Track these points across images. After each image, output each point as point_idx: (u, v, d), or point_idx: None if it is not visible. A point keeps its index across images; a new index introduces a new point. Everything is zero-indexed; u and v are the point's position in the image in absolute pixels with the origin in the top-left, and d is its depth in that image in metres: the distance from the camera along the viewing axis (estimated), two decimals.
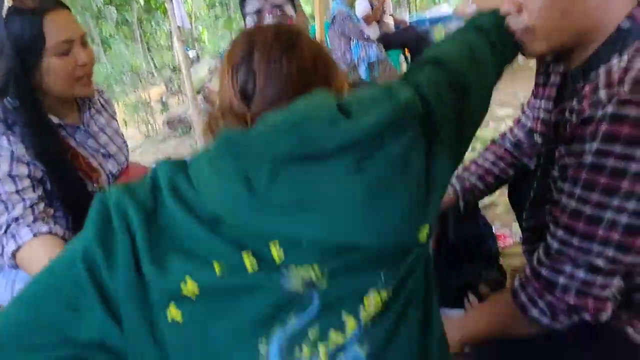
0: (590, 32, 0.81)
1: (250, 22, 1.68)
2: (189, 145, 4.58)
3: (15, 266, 1.11)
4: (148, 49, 13.47)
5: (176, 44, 4.46)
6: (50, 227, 1.13)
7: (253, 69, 0.63)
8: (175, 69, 9.00)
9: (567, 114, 0.87)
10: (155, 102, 5.72)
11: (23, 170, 1.17)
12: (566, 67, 0.92)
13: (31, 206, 1.14)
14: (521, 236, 1.15)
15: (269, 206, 0.52)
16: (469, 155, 2.75)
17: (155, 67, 11.52)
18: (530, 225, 1.04)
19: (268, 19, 1.63)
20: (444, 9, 6.37)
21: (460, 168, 1.33)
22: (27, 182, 1.17)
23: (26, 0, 1.11)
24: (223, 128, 0.63)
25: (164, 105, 5.75)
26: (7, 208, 1.13)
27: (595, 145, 0.72)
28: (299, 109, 0.55)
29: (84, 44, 1.23)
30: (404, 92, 0.58)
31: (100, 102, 1.47)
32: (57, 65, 1.17)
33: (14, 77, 1.14)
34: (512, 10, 0.83)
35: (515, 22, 0.84)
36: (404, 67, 5.65)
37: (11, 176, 1.14)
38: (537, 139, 1.06)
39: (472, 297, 1.24)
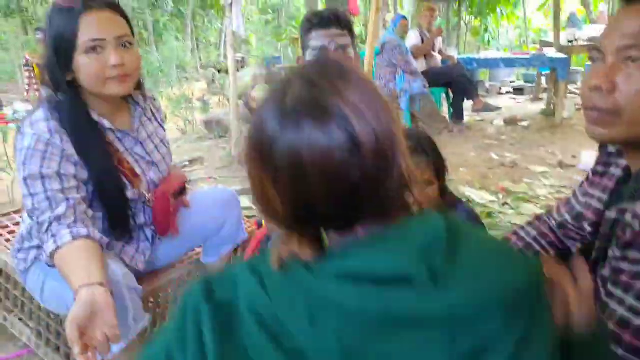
0: None
1: (309, 56, 1.69)
2: (223, 148, 4.65)
3: (52, 265, 1.15)
4: (197, 45, 13.81)
5: (227, 48, 4.55)
6: (89, 231, 1.17)
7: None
8: (220, 70, 9.21)
9: (628, 216, 0.83)
10: (196, 100, 5.85)
11: (70, 169, 1.22)
12: (633, 165, 0.87)
13: (74, 206, 1.19)
14: None
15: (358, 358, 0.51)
16: (504, 213, 2.74)
17: (201, 63, 11.80)
18: None
19: None
20: (493, 54, 6.34)
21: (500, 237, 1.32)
22: (73, 182, 1.22)
23: (67, 2, 1.18)
24: (288, 256, 0.58)
25: (205, 105, 5.87)
26: (51, 205, 1.18)
27: None
28: (381, 263, 0.52)
29: (124, 45, 1.24)
30: (518, 271, 0.54)
31: (151, 109, 1.51)
32: (87, 63, 1.20)
33: (50, 70, 1.22)
34: (603, 87, 0.78)
35: (602, 101, 0.79)
36: (445, 104, 5.64)
37: (59, 174, 1.20)
38: (587, 227, 1.04)
39: None
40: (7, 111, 6.83)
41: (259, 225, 2.11)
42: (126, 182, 1.35)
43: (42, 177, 1.18)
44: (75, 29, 1.17)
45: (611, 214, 0.91)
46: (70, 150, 1.21)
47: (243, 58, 12.98)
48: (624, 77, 0.77)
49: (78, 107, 1.25)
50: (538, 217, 1.27)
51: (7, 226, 1.76)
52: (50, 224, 1.16)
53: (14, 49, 8.79)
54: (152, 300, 1.63)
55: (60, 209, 1.18)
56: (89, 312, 1.00)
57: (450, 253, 0.52)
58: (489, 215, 2.78)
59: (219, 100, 6.53)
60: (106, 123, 1.31)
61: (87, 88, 1.25)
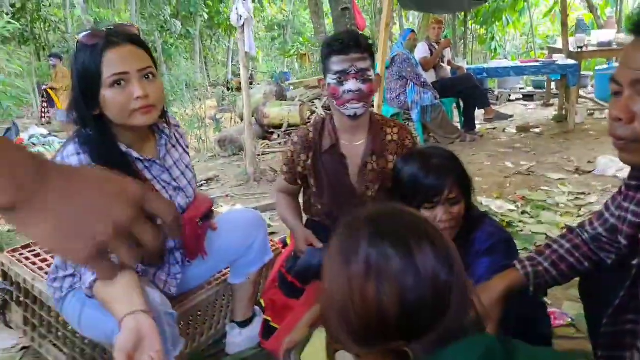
0: None
1: (330, 79, 1.71)
2: (237, 166, 4.69)
3: (91, 295, 1.18)
4: (205, 63, 14.02)
5: (240, 68, 4.62)
6: None
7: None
8: (230, 87, 9.31)
9: None
10: (208, 119, 5.92)
11: None
12: None
13: None
14: (596, 340, 1.11)
15: None
16: (524, 222, 2.72)
17: (210, 81, 11.96)
18: (609, 331, 1.02)
19: (351, 83, 1.67)
20: (503, 63, 6.35)
21: (533, 250, 1.32)
22: None
23: (90, 39, 1.22)
24: None
25: (217, 123, 5.94)
26: None
27: None
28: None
29: (146, 77, 1.27)
30: None
31: (175, 136, 1.54)
32: (112, 96, 1.24)
33: (76, 106, 1.25)
34: (622, 118, 0.84)
35: (624, 130, 0.85)
36: (456, 114, 5.65)
37: None
38: (622, 240, 1.05)
39: None
40: (24, 136, 6.98)
41: (284, 245, 2.12)
42: None
43: None
44: (100, 65, 1.21)
45: None
46: None
47: (251, 74, 13.15)
48: None
49: (106, 140, 1.28)
50: (570, 230, 1.27)
51: (38, 254, 1.79)
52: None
53: (27, 75, 8.99)
54: (182, 323, 1.64)
55: None
56: (135, 339, 1.02)
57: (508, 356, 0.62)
58: (509, 224, 2.77)
59: (231, 117, 6.60)
60: (134, 153, 1.34)
61: (114, 121, 1.28)
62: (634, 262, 0.98)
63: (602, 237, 1.18)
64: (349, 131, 1.80)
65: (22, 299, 1.72)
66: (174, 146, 1.51)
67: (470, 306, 0.67)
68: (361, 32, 1.71)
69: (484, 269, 1.32)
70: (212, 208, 1.59)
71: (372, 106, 3.35)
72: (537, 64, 5.46)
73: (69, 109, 1.29)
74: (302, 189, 1.99)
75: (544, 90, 7.22)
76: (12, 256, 1.74)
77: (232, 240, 1.66)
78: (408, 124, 5.32)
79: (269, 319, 1.83)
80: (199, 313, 1.72)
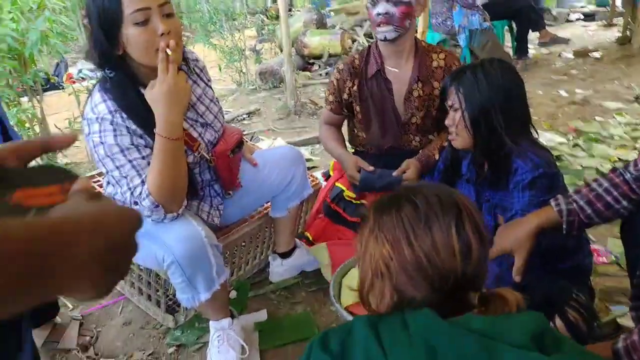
0: None
1: (367, 2, 1.71)
2: (278, 99, 4.68)
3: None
4: None
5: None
6: None
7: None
8: (270, 16, 9.04)
9: None
10: (248, 50, 5.83)
11: (140, 141, 1.30)
12: None
13: None
14: (630, 291, 1.09)
15: None
16: (575, 156, 2.61)
17: (249, 8, 11.64)
18: None
19: (381, 6, 1.65)
20: None
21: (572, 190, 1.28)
22: (148, 150, 1.30)
23: None
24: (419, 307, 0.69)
25: (257, 55, 5.85)
26: (138, 172, 1.28)
27: None
28: (494, 328, 0.64)
29: (168, 15, 1.24)
30: None
31: (196, 71, 1.51)
32: (136, 34, 1.21)
33: (99, 47, 1.22)
34: None
35: None
36: (508, 38, 5.29)
37: (134, 145, 1.28)
38: None
39: (558, 322, 1.23)
40: (73, 71, 7.17)
41: (327, 177, 2.17)
42: (185, 147, 1.39)
43: (122, 150, 1.26)
44: (119, 1, 1.17)
45: None
46: (132, 125, 1.28)
47: (290, 1, 12.65)
48: None
49: (128, 84, 1.28)
50: (613, 170, 1.22)
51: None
52: (143, 186, 1.26)
53: (72, 10, 9.06)
54: (227, 252, 1.74)
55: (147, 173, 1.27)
56: None
57: (556, 341, 0.66)
58: (558, 158, 2.66)
59: (271, 48, 6.47)
60: None
61: (137, 60, 1.26)
62: None
63: None
64: (393, 57, 1.80)
65: None
66: (195, 82, 1.48)
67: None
68: None
69: (524, 203, 1.32)
70: (242, 139, 1.61)
71: (416, 31, 3.17)
72: None
73: (90, 50, 1.25)
74: (347, 121, 2.00)
75: (608, 8, 6.58)
76: None
77: (272, 176, 1.70)
78: (456, 51, 5.05)
79: (310, 236, 1.94)
80: (243, 244, 1.81)
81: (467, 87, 1.36)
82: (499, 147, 1.35)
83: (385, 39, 1.71)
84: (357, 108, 1.87)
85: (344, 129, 2.04)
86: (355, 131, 1.95)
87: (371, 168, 1.76)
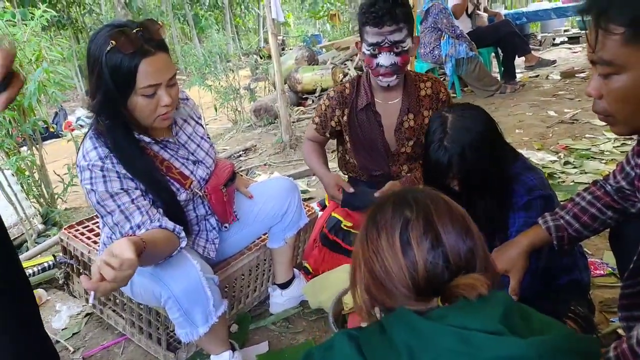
0: None
1: (365, 49, 1.72)
2: (274, 134, 4.75)
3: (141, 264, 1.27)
4: (237, 32, 14.00)
5: (269, 35, 4.61)
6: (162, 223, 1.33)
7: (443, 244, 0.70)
8: (262, 56, 9.29)
9: None
10: (242, 89, 5.96)
11: (131, 184, 1.33)
12: None
13: (147, 212, 1.32)
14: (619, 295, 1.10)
15: None
16: (567, 173, 2.64)
17: (242, 50, 11.96)
18: (628, 293, 1.02)
19: (384, 57, 1.67)
20: (543, 5, 5.97)
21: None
22: (138, 193, 1.33)
23: (125, 46, 1.20)
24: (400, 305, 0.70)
25: (251, 93, 5.98)
26: (127, 217, 1.31)
27: None
28: (466, 318, 0.64)
29: (171, 85, 1.31)
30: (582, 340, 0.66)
31: (185, 110, 1.55)
32: (142, 104, 1.27)
33: (111, 100, 1.25)
34: (593, 95, 0.89)
35: (598, 106, 0.90)
36: (495, 64, 5.42)
37: (124, 189, 1.31)
38: None
39: None
40: (71, 119, 7.32)
41: (323, 207, 2.20)
42: (178, 186, 1.44)
43: (111, 195, 1.29)
44: (135, 72, 1.22)
45: None
46: (122, 170, 1.31)
47: (283, 40, 13.00)
48: (605, 88, 0.87)
49: (120, 131, 1.32)
50: (594, 183, 1.25)
51: (92, 229, 1.93)
52: (134, 232, 1.28)
53: (68, 60, 9.31)
54: (226, 286, 1.75)
55: (137, 218, 1.30)
56: (108, 252, 1.05)
57: (524, 318, 0.67)
58: (550, 176, 2.69)
59: (265, 86, 6.62)
60: (146, 138, 1.38)
61: (136, 118, 1.32)
62: None
63: (625, 189, 1.16)
64: (383, 91, 1.82)
65: (81, 270, 1.87)
66: (185, 120, 1.53)
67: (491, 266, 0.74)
68: None
69: (519, 224, 1.33)
70: (234, 172, 1.64)
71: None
72: (579, 3, 5.10)
73: (94, 99, 1.27)
74: (337, 145, 2.04)
75: None
76: (69, 232, 1.89)
77: (267, 207, 1.73)
78: (444, 79, 5.17)
79: (309, 267, 1.95)
80: (242, 276, 1.82)
81: (457, 155, 1.28)
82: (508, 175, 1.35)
83: (388, 86, 1.76)
84: (347, 137, 1.91)
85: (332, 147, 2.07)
86: (347, 157, 1.99)
87: (351, 190, 1.78)
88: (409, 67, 1.88)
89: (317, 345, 0.72)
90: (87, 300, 1.88)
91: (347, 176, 2.04)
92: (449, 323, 0.64)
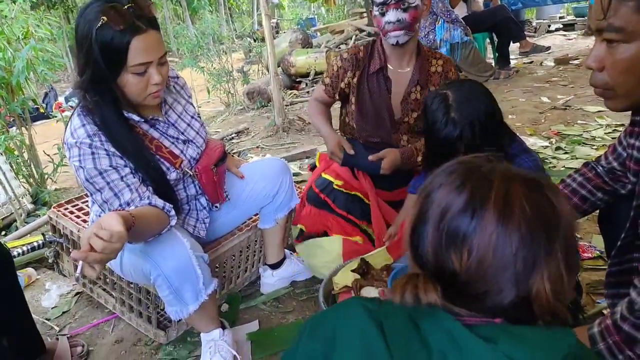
0: None
1: (375, 11, 1.77)
2: (267, 117, 4.73)
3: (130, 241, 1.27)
4: (230, 15, 13.80)
5: (262, 17, 4.55)
6: (152, 201, 1.32)
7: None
8: (256, 39, 9.18)
9: None
10: (235, 72, 5.91)
11: (120, 161, 1.31)
12: None
13: (136, 190, 1.31)
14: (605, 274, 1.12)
15: None
16: (558, 158, 2.65)
17: (236, 33, 11.82)
18: (614, 270, 1.03)
19: (391, 14, 1.70)
20: None
21: None
22: (127, 170, 1.32)
23: (116, 22, 1.17)
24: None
25: (245, 75, 5.92)
26: (116, 195, 1.29)
27: None
28: (519, 349, 0.56)
29: (161, 63, 1.29)
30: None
31: (176, 89, 1.54)
32: (132, 82, 1.25)
33: (100, 77, 1.23)
34: (594, 67, 0.87)
35: (597, 79, 0.88)
36: (489, 50, 5.41)
37: (113, 167, 1.29)
38: (631, 177, 1.03)
39: None
40: (61, 99, 7.22)
41: (313, 167, 2.18)
42: (168, 165, 1.42)
43: (100, 173, 1.28)
44: (126, 50, 1.20)
45: None
46: (111, 148, 1.30)
47: (277, 23, 12.85)
48: (609, 58, 0.85)
49: (108, 108, 1.29)
50: (585, 164, 1.26)
51: (81, 208, 1.92)
52: (123, 210, 1.26)
53: (59, 39, 9.14)
54: (217, 266, 1.75)
55: (126, 195, 1.29)
56: (97, 225, 1.06)
57: None
58: (542, 161, 2.70)
59: (258, 69, 6.56)
60: (135, 117, 1.36)
61: (127, 95, 1.29)
62: (634, 203, 0.96)
63: (616, 170, 1.16)
64: (396, 57, 1.85)
65: (71, 249, 1.86)
66: (175, 99, 1.51)
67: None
68: None
69: None
70: (225, 151, 1.63)
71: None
72: None
73: (82, 76, 1.25)
74: (340, 108, 2.04)
75: (586, 18, 6.76)
76: (59, 211, 1.87)
77: (259, 188, 1.72)
78: None
79: (303, 227, 1.95)
80: (233, 257, 1.82)
81: (462, 118, 1.26)
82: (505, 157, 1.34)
83: (397, 43, 1.77)
84: (353, 99, 1.92)
85: (335, 111, 2.07)
86: (347, 120, 2.00)
87: (352, 152, 1.81)
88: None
89: (327, 311, 0.67)
90: (75, 273, 1.89)
91: (345, 138, 2.03)
92: (499, 349, 0.55)
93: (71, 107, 6.56)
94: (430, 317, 0.60)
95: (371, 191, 1.92)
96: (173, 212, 1.36)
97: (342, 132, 2.06)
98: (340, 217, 1.91)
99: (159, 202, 1.33)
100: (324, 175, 2.01)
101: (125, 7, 1.20)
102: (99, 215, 1.45)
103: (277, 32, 10.30)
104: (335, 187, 1.95)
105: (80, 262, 1.03)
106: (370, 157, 1.77)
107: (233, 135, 4.33)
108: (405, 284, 0.61)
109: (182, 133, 1.50)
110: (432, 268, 0.62)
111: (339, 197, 1.93)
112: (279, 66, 5.31)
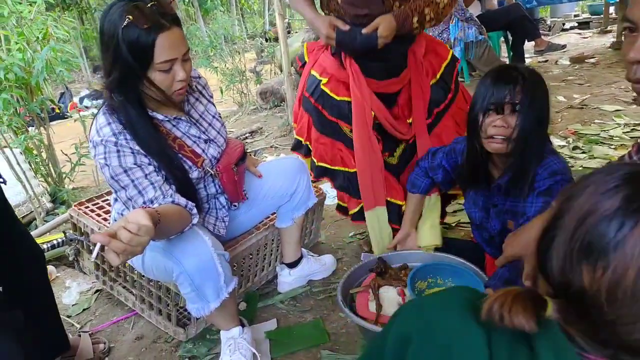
0: None
1: None
2: (280, 117, 4.74)
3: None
4: (242, 15, 13.84)
5: (276, 17, 4.56)
6: (175, 199, 1.33)
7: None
8: (268, 38, 9.21)
9: None
10: (248, 72, 5.94)
11: (145, 159, 1.33)
12: None
13: (160, 187, 1.33)
14: None
15: None
16: (576, 158, 2.63)
17: (247, 33, 11.88)
18: None
19: None
20: None
21: None
22: (151, 168, 1.33)
23: (141, 20, 1.19)
24: None
25: (258, 75, 5.94)
26: (141, 192, 1.31)
27: None
28: None
29: (185, 60, 1.31)
30: None
31: (198, 88, 1.56)
32: (158, 79, 1.27)
33: (129, 76, 1.25)
34: (638, 59, 0.84)
35: (638, 74, 0.86)
36: (504, 48, 5.36)
37: (137, 165, 1.31)
38: None
39: None
40: (76, 99, 7.31)
41: (303, 64, 1.99)
42: (190, 164, 1.44)
43: (125, 170, 1.30)
44: (152, 47, 1.22)
45: None
46: (136, 146, 1.32)
47: (288, 23, 12.85)
48: None
49: (133, 107, 1.31)
50: (609, 163, 1.24)
51: (102, 207, 1.95)
52: (147, 207, 1.28)
53: (74, 40, 9.26)
54: (235, 264, 1.76)
55: (150, 193, 1.31)
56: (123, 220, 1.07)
57: None
58: None
59: (270, 69, 6.58)
60: (159, 115, 1.38)
61: (151, 94, 1.31)
62: None
63: None
64: None
65: (91, 247, 1.89)
66: (197, 99, 1.53)
67: None
68: None
69: (537, 209, 1.31)
70: (245, 151, 1.64)
71: None
72: None
73: (109, 77, 1.26)
74: None
75: (602, 16, 6.67)
76: (79, 209, 1.90)
77: (276, 187, 1.73)
78: None
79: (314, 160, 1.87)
80: (250, 255, 1.83)
81: (530, 92, 1.28)
82: (538, 155, 1.32)
83: None
84: None
85: None
86: None
87: (346, 27, 1.64)
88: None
89: (428, 301, 0.63)
90: (91, 257, 1.87)
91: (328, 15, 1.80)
92: None
93: (86, 107, 6.65)
94: (549, 341, 0.52)
95: (361, 80, 1.74)
96: (195, 211, 1.37)
97: (325, 10, 1.81)
98: (350, 143, 1.78)
99: (182, 200, 1.35)
100: (312, 72, 1.85)
101: (149, 5, 1.22)
102: (121, 214, 1.48)
103: (289, 32, 10.30)
104: (322, 87, 1.79)
105: (98, 245, 1.04)
106: (364, 30, 1.60)
107: (247, 135, 4.35)
108: (495, 298, 0.54)
109: (204, 132, 1.51)
110: (557, 283, 0.54)
111: (328, 101, 1.79)
112: (292, 66, 5.32)
